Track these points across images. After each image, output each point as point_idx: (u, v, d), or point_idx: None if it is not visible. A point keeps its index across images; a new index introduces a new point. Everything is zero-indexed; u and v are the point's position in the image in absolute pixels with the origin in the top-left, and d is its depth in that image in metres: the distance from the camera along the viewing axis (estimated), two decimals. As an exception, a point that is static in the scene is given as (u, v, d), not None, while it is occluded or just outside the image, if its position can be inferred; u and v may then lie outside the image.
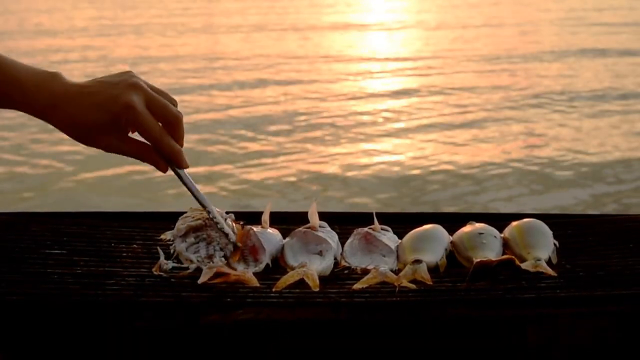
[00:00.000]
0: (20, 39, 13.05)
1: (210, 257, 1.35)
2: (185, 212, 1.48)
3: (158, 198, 4.99)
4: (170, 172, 1.34)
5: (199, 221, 1.43)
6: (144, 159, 1.30)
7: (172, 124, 1.29)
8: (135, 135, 1.30)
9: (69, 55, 11.16)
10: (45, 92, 1.24)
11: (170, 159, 1.30)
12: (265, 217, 1.52)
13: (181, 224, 1.44)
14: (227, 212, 1.46)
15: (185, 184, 1.34)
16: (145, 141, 1.29)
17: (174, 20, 15.88)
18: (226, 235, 1.39)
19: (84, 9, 18.40)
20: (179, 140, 1.30)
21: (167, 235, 1.49)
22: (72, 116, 1.25)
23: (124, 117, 1.24)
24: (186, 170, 1.33)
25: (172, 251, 1.41)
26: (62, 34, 13.79)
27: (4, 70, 1.24)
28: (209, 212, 1.39)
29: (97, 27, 14.74)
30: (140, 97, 1.25)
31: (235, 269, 1.34)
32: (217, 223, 1.39)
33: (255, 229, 1.45)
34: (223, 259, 1.36)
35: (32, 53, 11.03)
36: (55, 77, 1.26)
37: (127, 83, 1.26)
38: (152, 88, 1.29)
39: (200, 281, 1.29)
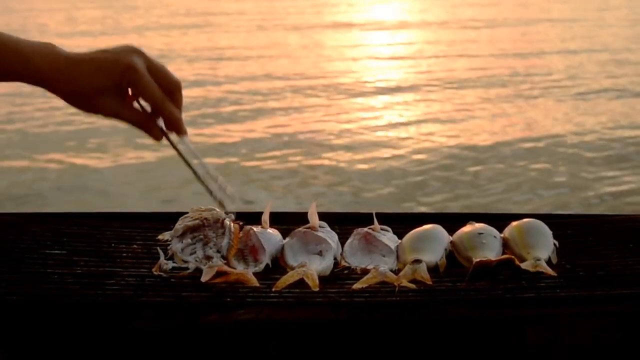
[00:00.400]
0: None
1: (208, 257, 1.35)
2: (187, 213, 1.48)
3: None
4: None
5: (197, 221, 1.43)
6: (141, 125, 1.30)
7: (172, 90, 1.30)
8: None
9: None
10: (47, 60, 1.25)
11: (170, 123, 1.31)
12: (265, 217, 1.53)
13: (179, 224, 1.44)
14: (226, 213, 1.46)
15: (179, 153, 1.33)
16: (144, 108, 1.30)
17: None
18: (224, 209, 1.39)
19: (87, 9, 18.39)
20: (178, 107, 1.31)
21: (165, 236, 1.49)
22: (74, 80, 1.26)
23: (126, 78, 1.26)
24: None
25: (169, 252, 1.41)
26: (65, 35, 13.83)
27: (4, 41, 1.25)
28: (204, 182, 1.35)
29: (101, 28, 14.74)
30: (142, 60, 1.27)
31: (234, 269, 1.34)
32: (224, 192, 1.37)
33: (255, 229, 1.46)
34: (222, 259, 1.36)
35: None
36: (53, 46, 1.27)
37: (128, 49, 1.28)
38: (153, 58, 1.30)
39: (203, 279, 1.29)
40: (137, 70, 1.26)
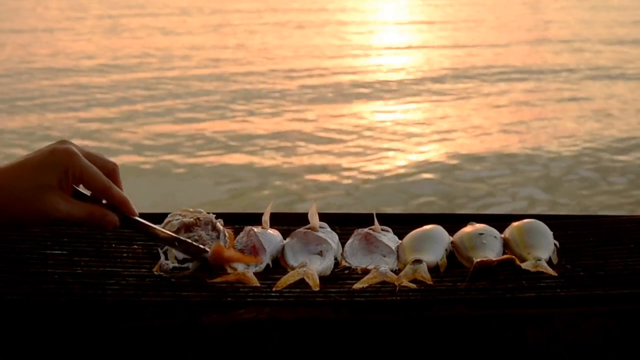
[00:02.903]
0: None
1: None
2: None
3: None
4: None
5: (191, 219, 1.44)
6: (93, 217, 1.24)
7: (110, 172, 1.26)
8: None
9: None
10: None
11: (120, 206, 1.26)
12: (266, 218, 1.53)
13: (175, 220, 1.44)
14: (216, 217, 1.46)
15: (140, 228, 1.32)
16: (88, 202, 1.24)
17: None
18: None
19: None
20: (120, 189, 1.27)
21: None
22: (10, 188, 1.17)
23: (70, 169, 1.19)
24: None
25: (162, 248, 1.41)
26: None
27: None
28: (181, 243, 1.34)
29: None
30: (76, 149, 1.22)
31: (235, 269, 1.34)
32: (195, 248, 1.35)
33: (255, 229, 1.46)
34: None
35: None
36: None
37: (58, 143, 1.22)
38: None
39: (186, 273, 1.30)
40: (76, 155, 1.20)
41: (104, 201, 1.26)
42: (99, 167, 1.23)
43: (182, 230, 1.42)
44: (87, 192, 1.26)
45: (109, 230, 1.29)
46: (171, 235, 1.34)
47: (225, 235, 1.42)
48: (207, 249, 1.34)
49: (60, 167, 1.19)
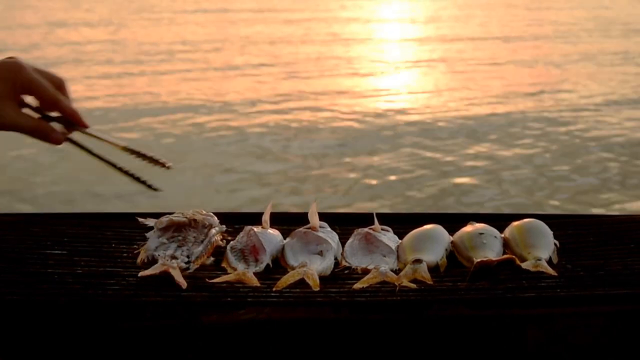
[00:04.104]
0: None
1: (173, 257, 1.35)
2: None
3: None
4: None
5: (184, 219, 1.45)
6: (38, 131, 1.28)
7: (59, 85, 1.30)
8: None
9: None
10: None
11: (70, 117, 1.30)
12: (266, 217, 1.53)
13: (165, 217, 1.46)
14: (220, 219, 1.48)
15: (87, 150, 1.33)
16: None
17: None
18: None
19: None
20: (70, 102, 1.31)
21: (147, 221, 1.50)
22: None
23: (18, 79, 1.24)
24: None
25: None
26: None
27: None
28: (137, 155, 1.34)
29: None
30: (26, 64, 1.26)
31: (234, 270, 1.35)
32: (163, 163, 1.35)
33: (255, 229, 1.46)
34: (186, 259, 1.36)
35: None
36: None
37: (9, 58, 1.28)
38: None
39: (141, 274, 1.29)
40: (26, 69, 1.25)
41: (53, 114, 1.29)
42: (47, 80, 1.27)
43: (171, 228, 1.44)
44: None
45: (55, 144, 1.30)
46: (125, 147, 1.33)
47: (209, 242, 1.42)
48: (169, 164, 1.33)
49: (8, 79, 1.24)
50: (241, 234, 1.46)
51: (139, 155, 1.33)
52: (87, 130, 1.32)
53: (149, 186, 1.35)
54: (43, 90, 1.27)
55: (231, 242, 1.45)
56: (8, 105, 1.25)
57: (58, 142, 1.30)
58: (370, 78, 9.62)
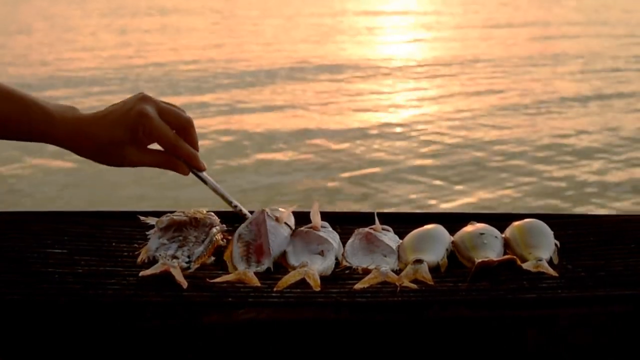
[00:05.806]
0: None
1: (174, 257, 1.35)
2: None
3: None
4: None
5: (185, 218, 1.45)
6: (165, 166, 1.40)
7: (185, 128, 1.39)
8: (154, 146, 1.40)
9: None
10: (69, 121, 1.36)
11: (187, 162, 1.40)
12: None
13: (166, 216, 1.47)
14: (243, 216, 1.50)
15: (206, 183, 1.44)
16: (163, 149, 1.39)
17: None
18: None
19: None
20: (194, 144, 1.40)
21: (148, 219, 1.51)
22: (94, 137, 1.36)
23: (140, 127, 1.34)
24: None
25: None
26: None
27: (36, 104, 1.36)
28: (235, 207, 1.49)
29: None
30: (152, 107, 1.35)
31: (236, 269, 1.34)
32: (244, 215, 1.49)
33: (269, 222, 1.44)
34: (187, 259, 1.35)
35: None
36: (74, 109, 1.38)
37: (137, 98, 1.36)
38: (162, 101, 1.38)
39: (142, 274, 1.29)
40: (148, 116, 1.34)
41: None
42: (172, 121, 1.37)
43: (172, 228, 1.44)
44: None
45: (183, 174, 1.43)
46: (227, 198, 1.48)
47: (211, 242, 1.41)
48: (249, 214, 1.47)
49: (133, 129, 1.35)
50: (253, 220, 1.46)
51: (241, 214, 1.51)
52: (203, 176, 1.44)
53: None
54: (164, 138, 1.37)
55: (239, 229, 1.44)
56: (130, 151, 1.37)
57: (185, 174, 1.43)
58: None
